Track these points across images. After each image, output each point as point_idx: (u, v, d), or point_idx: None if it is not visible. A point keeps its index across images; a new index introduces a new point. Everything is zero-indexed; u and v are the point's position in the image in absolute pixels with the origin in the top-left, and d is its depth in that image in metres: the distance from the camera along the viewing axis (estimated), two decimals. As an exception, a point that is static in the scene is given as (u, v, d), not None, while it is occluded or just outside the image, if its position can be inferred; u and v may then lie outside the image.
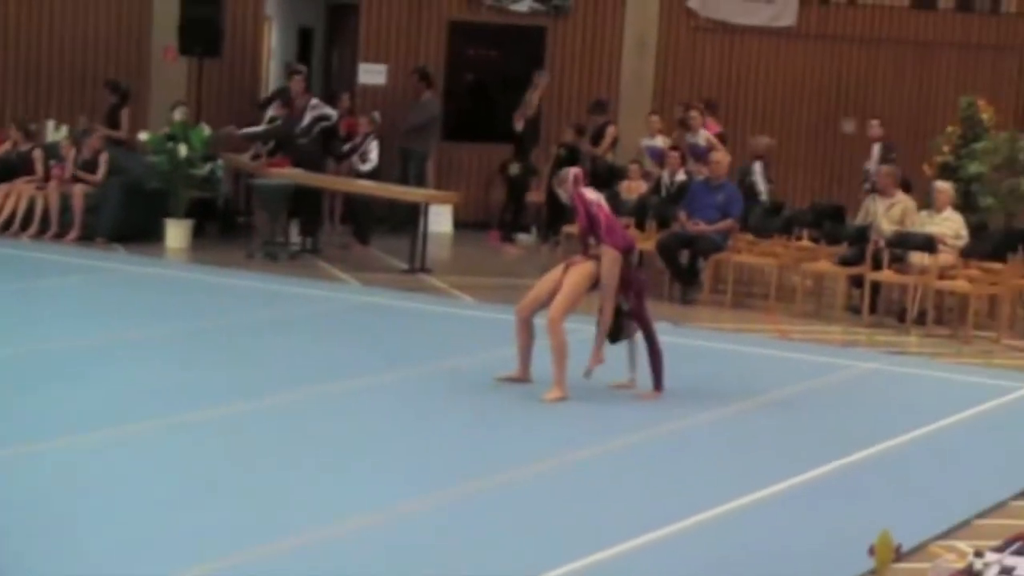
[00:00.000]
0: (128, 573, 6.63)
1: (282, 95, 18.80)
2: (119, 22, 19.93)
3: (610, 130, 19.17)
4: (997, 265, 15.07)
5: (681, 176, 17.38)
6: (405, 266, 16.62)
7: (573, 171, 11.07)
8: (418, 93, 19.93)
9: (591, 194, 10.87)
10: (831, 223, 16.45)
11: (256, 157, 18.20)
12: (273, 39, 22.45)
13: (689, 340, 13.05)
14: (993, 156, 16.82)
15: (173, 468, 8.31)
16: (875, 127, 18.93)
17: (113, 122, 18.44)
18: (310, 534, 7.25)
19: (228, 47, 19.60)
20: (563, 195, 11.09)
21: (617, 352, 10.80)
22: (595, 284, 10.64)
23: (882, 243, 15.07)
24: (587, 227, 10.68)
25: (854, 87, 21.81)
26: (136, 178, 17.56)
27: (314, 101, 18.65)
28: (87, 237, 17.22)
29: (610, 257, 10.56)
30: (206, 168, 17.67)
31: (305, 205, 17.36)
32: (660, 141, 18.61)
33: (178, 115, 17.96)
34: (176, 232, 17.21)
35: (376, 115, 18.64)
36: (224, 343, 11.99)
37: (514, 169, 19.42)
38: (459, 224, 20.06)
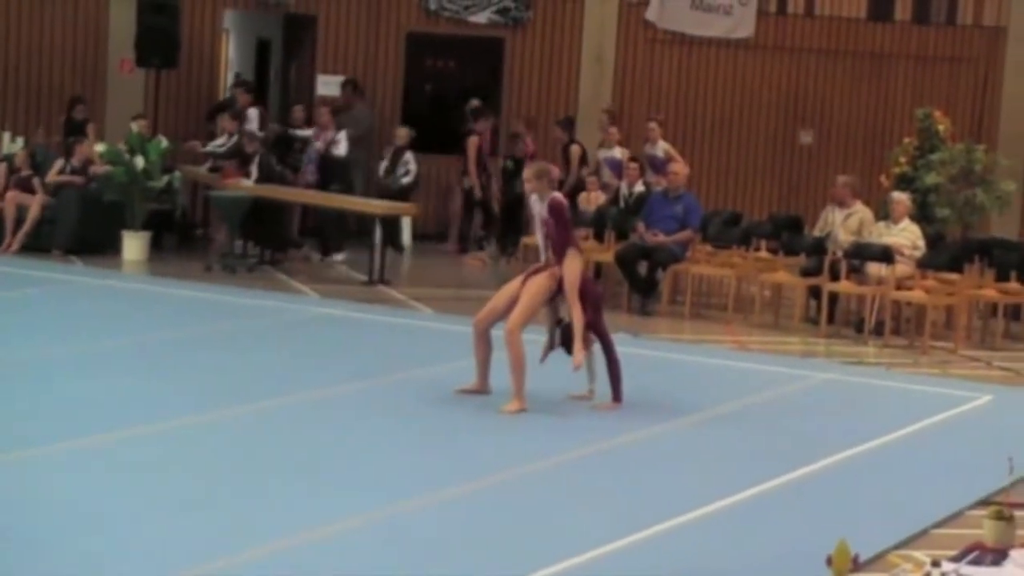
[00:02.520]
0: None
1: (230, 107, 18.76)
2: (75, 34, 19.86)
3: (574, 149, 19.14)
4: (954, 276, 15.15)
5: (639, 187, 17.41)
6: (364, 278, 16.60)
7: (556, 170, 10.98)
8: (350, 104, 19.89)
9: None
10: (789, 234, 16.50)
11: (213, 169, 18.17)
12: (231, 51, 22.39)
13: (648, 351, 13.06)
14: (949, 167, 16.90)
15: (135, 480, 8.26)
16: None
17: (81, 135, 18.32)
18: (276, 544, 7.22)
19: (185, 59, 19.56)
20: (533, 188, 10.73)
21: (576, 363, 10.80)
22: (553, 297, 10.64)
23: (840, 254, 15.14)
24: (561, 230, 10.59)
25: (811, 98, 21.89)
26: (93, 190, 17.48)
27: (250, 112, 18.66)
28: (43, 249, 17.12)
29: (578, 259, 10.60)
30: (163, 180, 17.61)
31: (267, 218, 17.36)
32: (618, 152, 18.63)
33: (135, 127, 17.90)
34: (133, 244, 17.13)
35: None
36: (182, 356, 11.93)
37: (467, 182, 19.39)
38: (418, 236, 20.03)
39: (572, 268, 10.55)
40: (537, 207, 10.77)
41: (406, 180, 18.36)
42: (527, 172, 11.01)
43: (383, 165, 18.50)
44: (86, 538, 7.20)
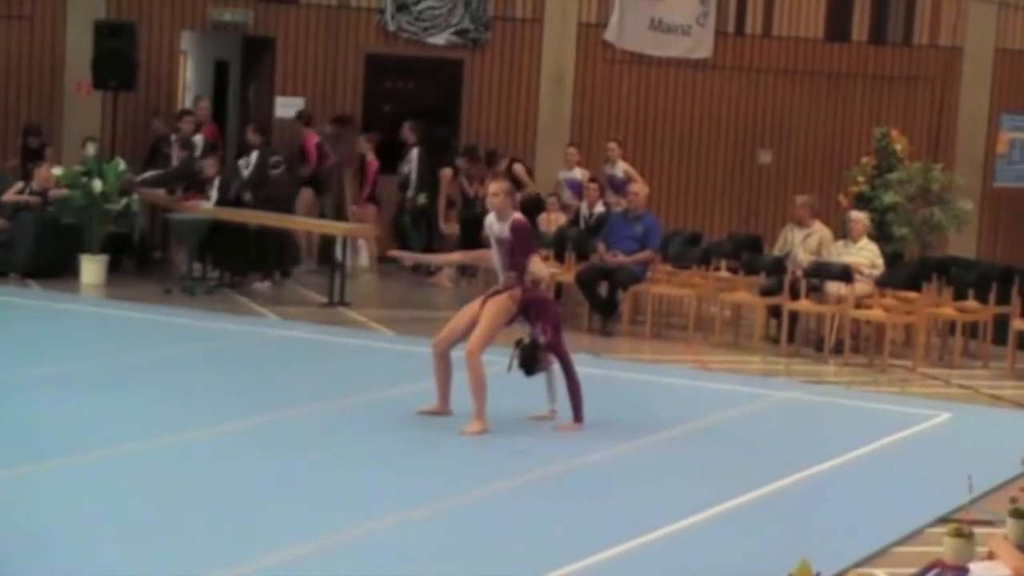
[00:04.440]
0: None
1: (179, 139, 18.62)
2: (31, 56, 19.77)
3: (517, 169, 19.17)
4: (912, 294, 15.23)
5: (600, 208, 17.43)
6: (324, 300, 16.56)
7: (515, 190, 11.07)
8: (340, 136, 19.86)
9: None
10: (749, 254, 16.55)
11: (171, 192, 18.09)
12: (189, 73, 22.32)
13: (608, 371, 13.07)
14: (907, 186, 17.00)
15: (94, 505, 8.21)
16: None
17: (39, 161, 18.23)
18: (239, 567, 7.19)
19: (143, 81, 19.48)
20: (500, 203, 10.72)
21: (536, 384, 10.80)
22: (512, 318, 10.65)
23: (799, 273, 15.18)
24: (522, 251, 10.63)
25: (770, 118, 21.99)
26: (51, 213, 17.39)
27: (195, 139, 18.59)
28: (0, 272, 17.02)
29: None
30: (121, 203, 17.52)
31: (226, 241, 17.31)
32: (578, 173, 18.66)
33: (91, 150, 17.81)
34: (91, 267, 17.04)
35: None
36: (142, 379, 11.86)
37: (421, 199, 19.32)
38: (379, 257, 19.97)
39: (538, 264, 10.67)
40: (496, 227, 10.75)
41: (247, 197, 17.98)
42: (495, 186, 10.90)
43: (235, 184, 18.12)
44: (44, 563, 7.13)
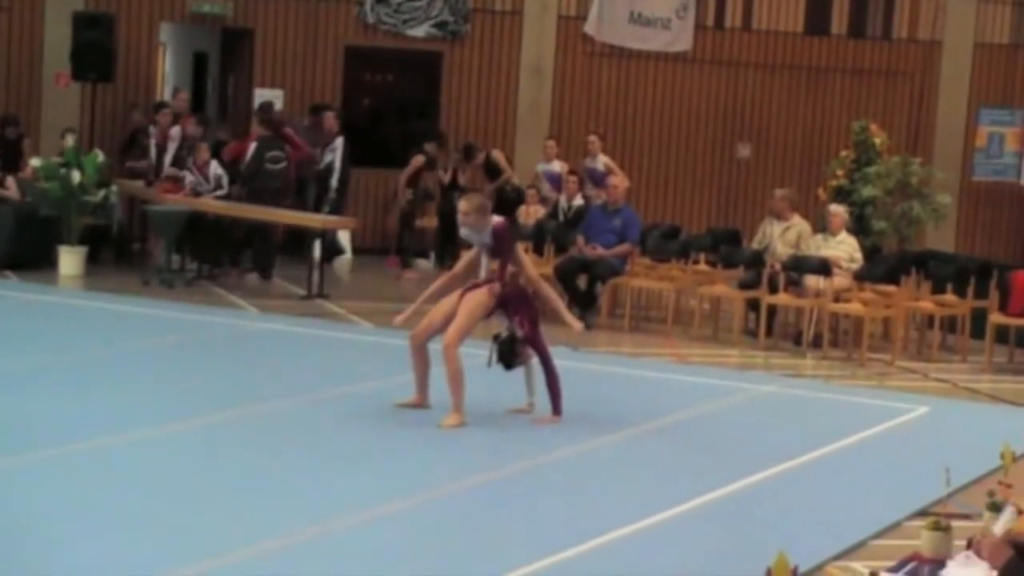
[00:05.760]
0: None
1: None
2: (9, 47, 19.71)
3: (496, 155, 19.20)
4: (891, 288, 15.25)
5: (579, 201, 17.45)
6: (303, 292, 16.53)
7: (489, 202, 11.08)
8: (317, 126, 19.82)
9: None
10: (727, 247, 16.57)
11: (149, 184, 18.04)
12: (167, 64, 22.27)
13: (587, 364, 13.07)
14: (886, 180, 17.03)
15: (66, 498, 8.17)
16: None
17: (16, 152, 18.16)
18: (213, 561, 7.17)
19: (121, 72, 19.43)
20: (473, 222, 10.70)
21: (515, 377, 10.80)
22: (490, 312, 10.64)
23: (778, 267, 15.21)
24: (507, 251, 10.66)
25: (749, 112, 22.01)
26: (29, 205, 17.34)
27: (172, 132, 18.52)
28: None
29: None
30: (100, 194, 17.47)
31: (201, 232, 17.27)
32: (557, 166, 18.68)
33: (69, 141, 17.76)
34: (70, 259, 16.99)
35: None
36: (119, 371, 11.83)
37: (407, 196, 19.37)
38: (357, 249, 19.97)
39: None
40: (475, 238, 10.74)
41: (220, 192, 17.86)
42: (466, 206, 10.75)
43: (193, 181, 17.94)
44: (15, 557, 7.12)
